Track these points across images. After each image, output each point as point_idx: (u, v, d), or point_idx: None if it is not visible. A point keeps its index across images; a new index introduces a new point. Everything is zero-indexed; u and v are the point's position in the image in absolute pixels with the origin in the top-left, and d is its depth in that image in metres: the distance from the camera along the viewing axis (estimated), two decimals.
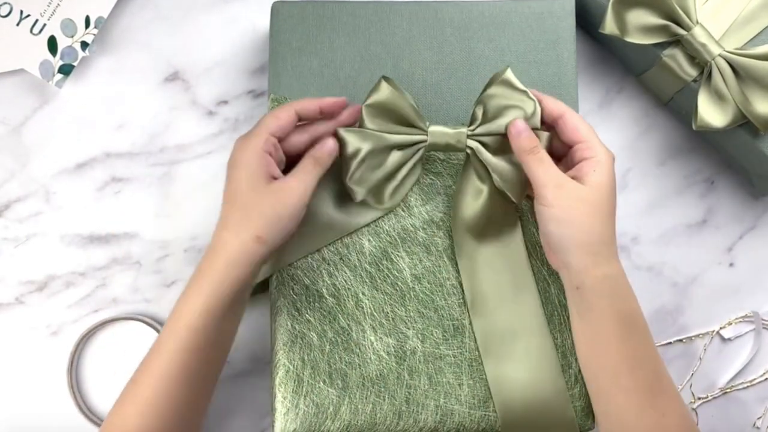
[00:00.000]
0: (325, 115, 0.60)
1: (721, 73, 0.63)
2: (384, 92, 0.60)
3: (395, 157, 0.60)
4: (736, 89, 0.63)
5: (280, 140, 0.59)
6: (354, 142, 0.59)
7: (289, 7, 0.65)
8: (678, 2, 0.64)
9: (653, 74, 0.68)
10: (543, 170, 0.57)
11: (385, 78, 0.60)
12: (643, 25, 0.65)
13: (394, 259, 0.63)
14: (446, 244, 0.64)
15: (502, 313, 0.62)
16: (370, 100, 0.60)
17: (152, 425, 0.55)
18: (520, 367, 0.62)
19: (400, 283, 0.63)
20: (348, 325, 0.63)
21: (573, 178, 0.57)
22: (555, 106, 0.59)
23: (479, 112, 0.60)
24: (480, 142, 0.60)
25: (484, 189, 0.61)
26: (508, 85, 0.59)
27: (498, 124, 0.59)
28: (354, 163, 0.60)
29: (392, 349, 0.63)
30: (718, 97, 0.64)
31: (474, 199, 0.62)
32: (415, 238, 0.64)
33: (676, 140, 0.72)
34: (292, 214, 0.57)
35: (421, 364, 0.63)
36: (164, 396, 0.55)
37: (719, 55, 0.63)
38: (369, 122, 0.60)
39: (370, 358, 0.63)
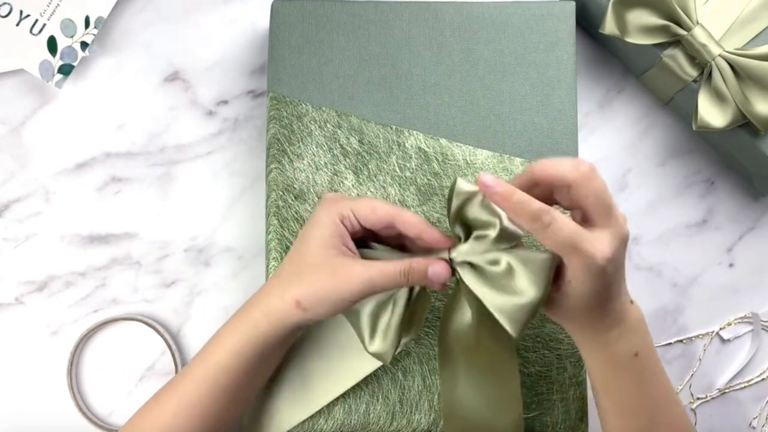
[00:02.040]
0: (421, 242, 0.55)
1: (721, 73, 0.63)
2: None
3: (402, 295, 0.55)
4: (736, 89, 0.63)
5: (369, 230, 0.56)
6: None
7: (289, 7, 0.65)
8: (678, 2, 0.64)
9: (653, 74, 0.68)
10: (552, 230, 0.49)
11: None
12: (644, 25, 0.65)
13: None
14: None
15: (475, 421, 0.59)
16: None
17: None
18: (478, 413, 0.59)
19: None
20: None
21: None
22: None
23: (459, 232, 0.54)
24: (468, 263, 0.53)
25: (474, 314, 0.56)
26: (465, 195, 0.53)
27: (480, 245, 0.53)
28: (365, 319, 0.55)
29: None
30: (718, 97, 0.64)
31: (461, 324, 0.57)
32: None
33: (676, 140, 0.72)
34: (341, 299, 0.53)
35: (416, 365, 0.63)
36: (183, 423, 0.55)
37: (719, 55, 0.63)
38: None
39: None
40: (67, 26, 0.70)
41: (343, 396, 0.62)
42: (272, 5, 0.65)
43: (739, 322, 0.71)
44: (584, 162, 0.50)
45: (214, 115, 0.71)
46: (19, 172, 0.71)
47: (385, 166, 0.64)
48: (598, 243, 0.49)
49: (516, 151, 0.64)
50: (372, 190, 0.64)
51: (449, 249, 0.54)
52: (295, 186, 0.64)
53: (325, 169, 0.64)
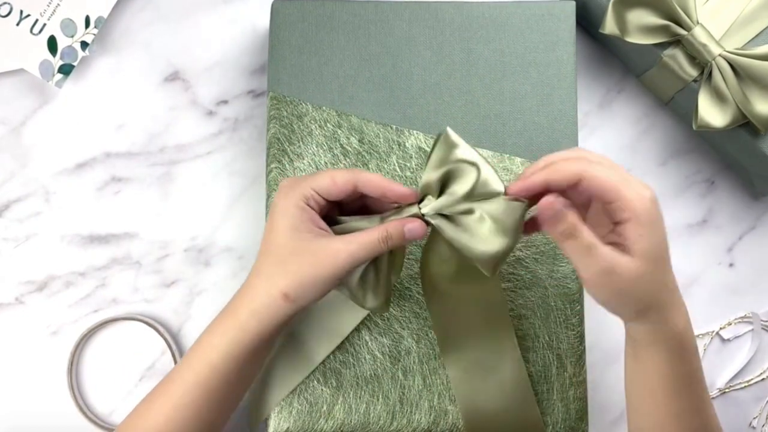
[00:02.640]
0: (386, 199, 0.55)
1: (721, 73, 0.63)
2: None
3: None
4: (737, 89, 0.63)
5: (332, 203, 0.55)
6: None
7: (289, 6, 0.65)
8: (678, 2, 0.64)
9: (653, 74, 0.68)
10: (581, 262, 0.50)
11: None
12: (644, 25, 0.65)
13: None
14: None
15: (474, 351, 0.61)
16: None
17: None
18: (492, 400, 0.61)
19: (395, 284, 0.63)
20: None
21: (614, 244, 0.51)
22: (570, 169, 0.50)
23: (433, 182, 0.54)
24: (440, 214, 0.54)
25: (453, 257, 0.57)
26: (451, 145, 0.53)
27: (455, 195, 0.53)
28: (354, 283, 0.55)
29: (387, 349, 0.63)
30: (719, 97, 0.64)
31: (441, 263, 0.58)
32: None
33: (677, 140, 0.72)
34: (328, 279, 0.52)
35: (416, 365, 0.63)
36: (177, 427, 0.55)
37: (719, 55, 0.63)
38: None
39: (365, 358, 0.63)
40: (67, 26, 0.70)
41: (343, 396, 0.62)
42: (272, 5, 0.65)
43: (739, 322, 0.71)
44: (647, 190, 0.51)
45: (214, 115, 0.71)
46: (19, 172, 0.71)
47: (386, 166, 0.64)
48: (640, 184, 0.50)
49: (516, 150, 0.64)
50: None
51: (419, 204, 0.54)
52: None
53: (325, 169, 0.64)
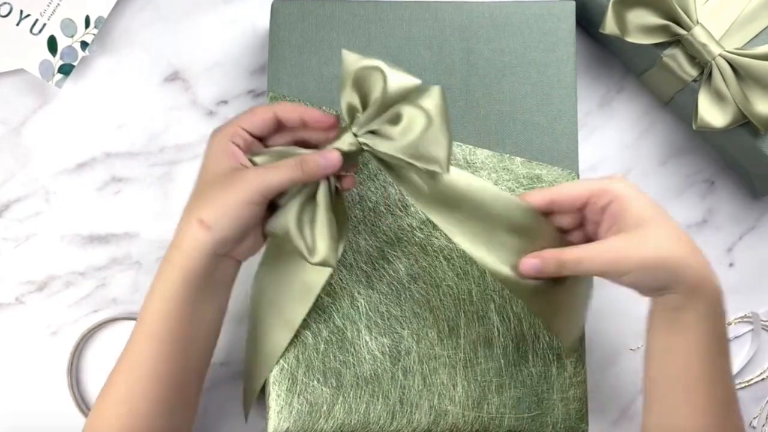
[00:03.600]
0: (309, 127, 0.57)
1: (721, 73, 0.63)
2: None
3: (321, 194, 0.55)
4: (737, 89, 0.63)
5: (259, 139, 0.57)
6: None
7: (289, 6, 0.65)
8: (678, 2, 0.63)
9: (653, 74, 0.68)
10: (590, 273, 0.54)
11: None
12: (644, 25, 0.65)
13: (391, 259, 0.63)
14: (443, 245, 0.64)
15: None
16: None
17: (130, 422, 0.53)
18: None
19: (395, 283, 0.63)
20: (343, 324, 0.63)
21: (613, 232, 0.53)
22: (539, 196, 0.55)
23: (356, 102, 0.54)
24: (370, 131, 0.54)
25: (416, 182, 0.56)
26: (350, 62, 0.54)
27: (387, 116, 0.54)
28: (293, 231, 0.56)
29: (387, 349, 0.63)
30: (719, 97, 0.64)
31: (418, 194, 0.57)
32: (411, 238, 0.64)
33: (677, 140, 0.72)
34: (241, 202, 0.52)
35: (416, 365, 0.63)
36: (139, 390, 0.54)
37: (719, 55, 0.63)
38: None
39: (365, 358, 0.63)
40: (67, 26, 0.70)
41: (343, 396, 0.62)
42: (272, 5, 0.65)
43: (739, 322, 0.71)
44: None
45: (214, 115, 0.71)
46: (19, 172, 0.71)
47: None
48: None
49: (516, 150, 0.64)
50: (372, 189, 0.64)
51: (346, 131, 0.55)
52: None
53: None
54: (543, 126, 0.65)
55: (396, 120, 0.53)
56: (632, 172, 0.72)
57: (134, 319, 0.68)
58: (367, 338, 0.63)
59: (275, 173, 0.53)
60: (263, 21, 0.71)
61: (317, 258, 0.55)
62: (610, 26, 0.65)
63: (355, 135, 0.55)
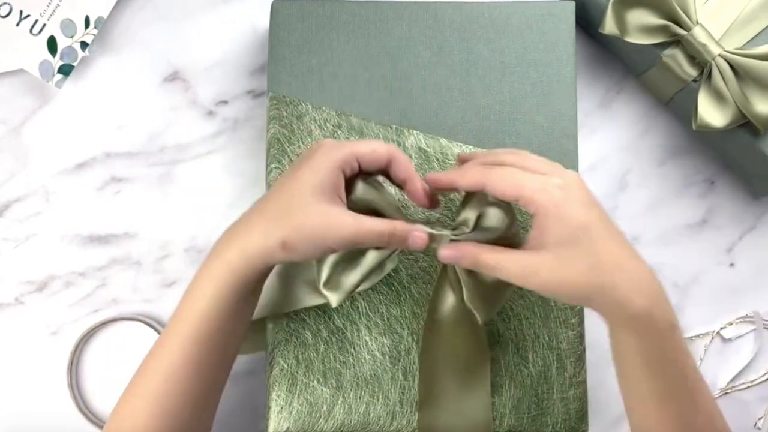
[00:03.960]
0: (405, 190, 0.57)
1: (721, 73, 0.63)
2: (360, 191, 0.56)
3: (371, 257, 0.56)
4: (736, 89, 0.63)
5: (363, 172, 0.55)
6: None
7: (289, 6, 0.65)
8: (678, 2, 0.64)
9: (653, 74, 0.68)
10: (503, 277, 0.52)
11: (363, 179, 0.56)
12: (643, 25, 0.65)
13: (390, 260, 0.63)
14: None
15: (448, 412, 0.61)
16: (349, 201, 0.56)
17: (163, 422, 0.53)
18: None
19: (395, 284, 0.63)
20: (343, 324, 0.63)
21: (535, 243, 0.52)
22: (472, 178, 0.54)
23: (469, 218, 0.56)
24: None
25: (455, 298, 0.59)
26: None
27: (480, 233, 0.55)
28: (326, 268, 0.56)
29: (387, 349, 0.63)
30: (718, 97, 0.64)
31: (445, 302, 0.60)
32: None
33: (676, 140, 0.72)
34: (328, 244, 0.52)
35: (416, 365, 0.63)
36: (175, 389, 0.53)
37: (719, 55, 0.63)
38: None
39: (365, 358, 0.63)
40: (67, 26, 0.70)
41: (343, 396, 0.62)
42: (272, 5, 0.65)
43: (741, 322, 0.71)
44: (554, 178, 0.53)
45: (214, 115, 0.71)
46: (19, 172, 0.71)
47: None
48: (555, 181, 0.52)
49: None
50: None
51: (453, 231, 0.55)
52: None
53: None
54: (543, 126, 0.65)
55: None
56: (632, 172, 0.72)
57: (134, 319, 0.69)
58: (367, 338, 0.63)
59: (367, 234, 0.52)
60: (263, 21, 0.71)
61: (325, 291, 0.56)
62: (609, 26, 0.65)
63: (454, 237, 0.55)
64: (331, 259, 0.56)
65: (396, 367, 0.63)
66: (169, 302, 0.70)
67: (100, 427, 0.68)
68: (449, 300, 0.60)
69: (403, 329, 0.63)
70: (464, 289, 0.56)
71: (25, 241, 0.70)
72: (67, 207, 0.70)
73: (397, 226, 0.53)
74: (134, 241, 0.70)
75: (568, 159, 0.64)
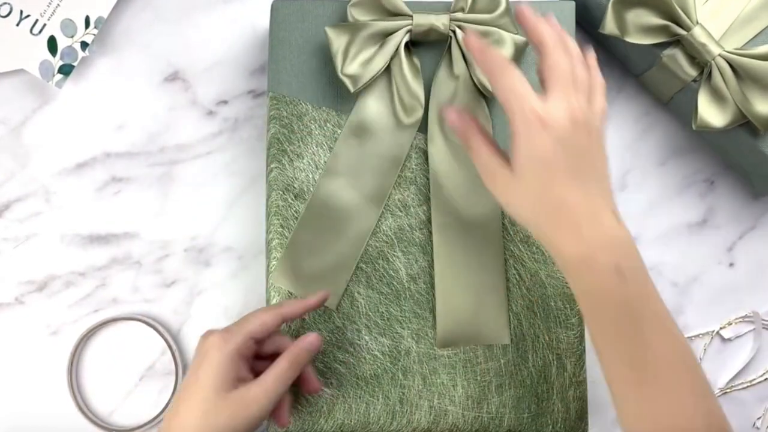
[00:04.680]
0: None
1: (721, 73, 0.63)
2: None
3: (385, 50, 0.62)
4: (736, 89, 0.63)
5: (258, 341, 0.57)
6: (340, 36, 0.62)
7: (289, 6, 0.65)
8: (678, 2, 0.63)
9: (653, 74, 0.68)
10: (476, 166, 0.55)
11: None
12: (643, 25, 0.65)
13: (390, 259, 0.63)
14: None
15: (460, 207, 0.62)
16: None
17: None
18: (466, 299, 0.62)
19: (395, 283, 0.63)
20: (343, 324, 0.63)
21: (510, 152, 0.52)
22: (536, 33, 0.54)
23: (464, 3, 0.62)
24: (461, 28, 0.62)
25: (460, 74, 0.63)
26: None
27: (481, 16, 0.62)
28: (339, 55, 0.62)
29: (387, 349, 0.63)
30: (718, 97, 0.64)
31: (449, 83, 0.63)
32: (411, 238, 0.64)
33: (676, 140, 0.72)
34: (247, 427, 0.53)
35: (416, 365, 0.63)
36: None
37: (719, 55, 0.63)
38: (357, 16, 0.63)
39: (365, 358, 0.63)
40: (67, 26, 0.70)
41: (343, 396, 0.62)
42: (272, 5, 0.65)
43: (740, 322, 0.71)
44: (554, 31, 0.53)
45: (214, 115, 0.71)
46: (19, 172, 0.71)
47: None
48: (543, 105, 0.50)
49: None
50: None
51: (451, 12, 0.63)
52: (295, 185, 0.64)
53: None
54: None
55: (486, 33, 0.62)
56: (632, 172, 0.72)
57: (134, 319, 0.69)
58: (367, 338, 0.63)
59: (277, 386, 0.55)
60: (263, 21, 0.71)
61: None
62: (609, 26, 0.65)
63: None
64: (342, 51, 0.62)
65: (396, 366, 0.63)
66: (169, 302, 0.70)
67: (101, 426, 0.68)
68: (454, 76, 0.63)
69: (403, 329, 0.63)
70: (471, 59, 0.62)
71: (25, 241, 0.70)
72: (67, 207, 0.70)
73: (292, 349, 0.57)
74: (134, 241, 0.70)
75: None
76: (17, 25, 0.70)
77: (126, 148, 0.71)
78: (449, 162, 0.63)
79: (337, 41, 0.62)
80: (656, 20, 0.64)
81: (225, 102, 0.71)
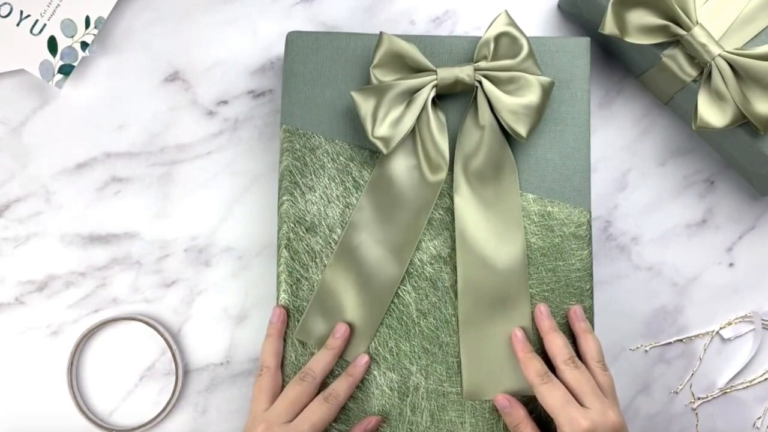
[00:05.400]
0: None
1: (720, 73, 0.63)
2: (386, 43, 0.62)
3: (412, 108, 0.61)
4: (736, 89, 0.63)
5: None
6: (367, 100, 0.61)
7: (304, 38, 0.64)
8: (678, 2, 0.64)
9: (653, 74, 0.68)
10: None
11: (383, 33, 0.62)
12: (643, 25, 0.65)
13: (401, 294, 0.63)
14: (453, 280, 0.63)
15: (487, 257, 0.62)
16: (377, 58, 0.62)
17: None
18: (496, 333, 0.63)
19: (405, 318, 0.63)
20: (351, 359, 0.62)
21: None
22: (529, 378, 0.60)
23: (486, 51, 0.62)
24: (486, 77, 0.62)
25: (486, 124, 0.62)
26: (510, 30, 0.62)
27: (505, 62, 0.61)
28: (369, 119, 0.61)
29: (395, 385, 0.62)
30: (718, 97, 0.64)
31: (474, 132, 0.62)
32: (422, 272, 0.63)
33: (676, 140, 0.72)
34: None
35: (424, 401, 0.62)
36: None
37: (719, 55, 0.63)
38: (381, 77, 0.62)
39: (373, 393, 0.62)
40: (68, 26, 0.70)
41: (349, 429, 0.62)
42: (287, 36, 0.65)
43: (740, 322, 0.71)
44: (585, 420, 0.57)
45: (214, 115, 0.71)
46: (19, 172, 0.71)
47: None
48: (580, 413, 0.57)
49: (528, 186, 0.64)
50: None
51: (474, 62, 0.63)
52: (306, 218, 0.63)
53: (337, 202, 0.63)
54: (555, 163, 0.64)
55: (511, 80, 0.62)
56: (632, 172, 0.72)
57: (134, 319, 0.69)
58: (376, 373, 0.62)
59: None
60: (263, 21, 0.71)
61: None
62: (609, 26, 0.65)
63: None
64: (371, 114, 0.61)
65: (404, 402, 0.62)
66: (169, 302, 0.70)
67: (101, 426, 0.68)
68: (481, 126, 0.62)
69: (412, 365, 0.62)
70: (499, 107, 0.61)
71: (25, 241, 0.70)
72: (67, 207, 0.70)
73: (332, 390, 0.61)
74: (134, 241, 0.70)
75: (580, 196, 0.64)
76: (17, 25, 0.70)
77: (126, 148, 0.71)
78: (475, 213, 0.62)
79: (365, 105, 0.61)
80: (656, 20, 0.64)
81: (225, 102, 0.71)
